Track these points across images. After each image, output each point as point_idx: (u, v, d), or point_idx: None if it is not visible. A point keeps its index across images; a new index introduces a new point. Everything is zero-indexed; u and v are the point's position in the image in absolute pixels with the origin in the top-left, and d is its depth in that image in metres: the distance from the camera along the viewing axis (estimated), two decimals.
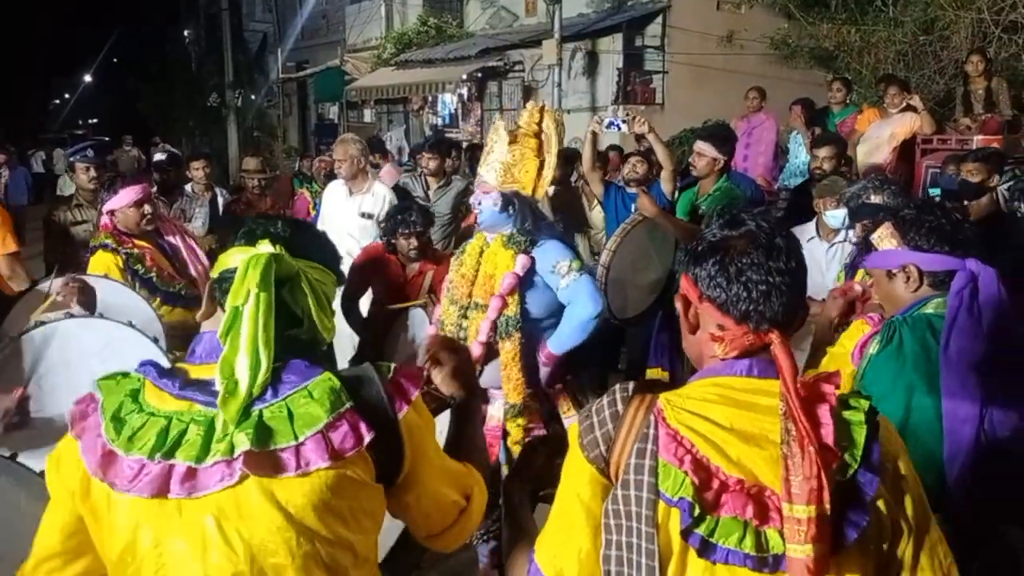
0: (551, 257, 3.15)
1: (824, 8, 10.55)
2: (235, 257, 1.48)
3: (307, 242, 1.55)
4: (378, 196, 5.44)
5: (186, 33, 29.25)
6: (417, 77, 16.27)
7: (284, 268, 1.45)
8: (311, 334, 1.51)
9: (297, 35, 23.29)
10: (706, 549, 1.29)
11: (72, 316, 2.77)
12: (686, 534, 1.30)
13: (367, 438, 1.40)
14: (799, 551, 1.26)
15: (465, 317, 3.19)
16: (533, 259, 3.14)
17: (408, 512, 1.55)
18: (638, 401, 1.40)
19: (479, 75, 15.35)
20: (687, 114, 11.98)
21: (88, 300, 3.04)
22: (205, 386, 1.41)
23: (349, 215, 5.40)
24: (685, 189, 5.18)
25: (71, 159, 5.23)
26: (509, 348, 3.13)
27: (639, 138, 5.55)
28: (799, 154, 7.21)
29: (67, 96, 43.24)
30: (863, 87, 9.49)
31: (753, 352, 1.40)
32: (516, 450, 3.12)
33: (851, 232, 4.05)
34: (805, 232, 4.46)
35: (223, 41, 22.93)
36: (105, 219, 3.79)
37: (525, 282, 3.16)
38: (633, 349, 5.62)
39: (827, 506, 1.26)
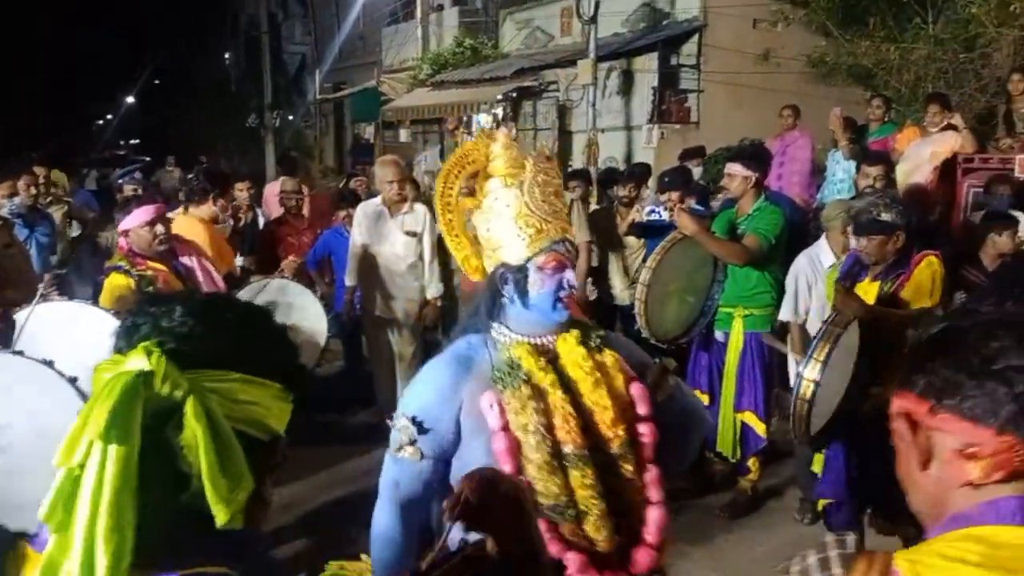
0: (636, 352, 2.23)
1: (863, 25, 10.47)
2: (101, 378, 0.94)
3: (228, 336, 1.00)
4: (419, 214, 5.53)
5: (226, 55, 29.80)
6: (452, 97, 16.39)
7: (166, 392, 0.92)
8: (198, 502, 0.93)
9: (334, 56, 23.60)
10: None
11: None
12: None
13: None
14: None
15: (610, 471, 1.94)
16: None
17: None
18: (865, 564, 1.03)
19: (514, 95, 15.42)
20: (723, 133, 11.92)
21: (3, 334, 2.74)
22: None
23: (394, 235, 5.48)
24: (722, 210, 5.16)
25: (118, 181, 5.37)
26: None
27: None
28: (836, 171, 7.15)
29: (109, 117, 44.19)
30: (902, 105, 9.39)
31: None
32: None
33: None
34: (824, 258, 4.49)
35: (262, 63, 23.33)
36: (121, 240, 3.81)
37: None
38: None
39: None
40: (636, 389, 2.01)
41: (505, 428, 1.87)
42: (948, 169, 6.52)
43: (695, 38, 13.76)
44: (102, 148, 34.27)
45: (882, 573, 1.02)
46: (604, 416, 1.93)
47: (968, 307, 1.13)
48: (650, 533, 1.94)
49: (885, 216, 3.52)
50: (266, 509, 1.06)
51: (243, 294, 3.98)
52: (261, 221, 6.67)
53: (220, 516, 0.91)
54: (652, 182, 7.24)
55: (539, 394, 1.90)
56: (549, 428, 1.88)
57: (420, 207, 5.61)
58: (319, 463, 5.25)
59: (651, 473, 1.96)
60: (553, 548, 1.81)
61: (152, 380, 0.91)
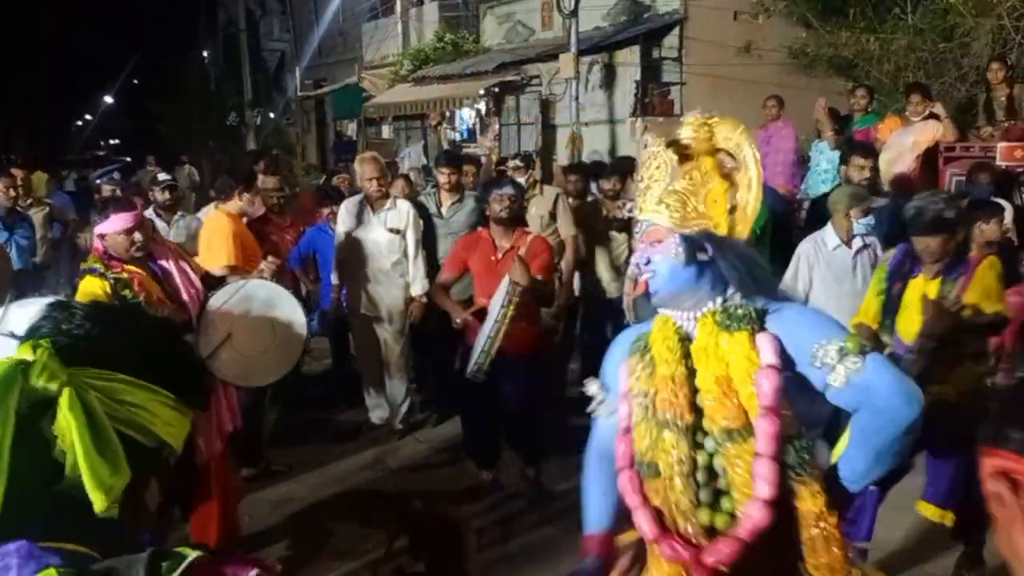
0: (805, 335, 1.89)
1: (843, 17, 10.51)
2: None
3: (123, 342, 1.04)
4: (403, 211, 5.51)
5: (205, 53, 29.58)
6: (434, 93, 16.34)
7: (43, 383, 0.95)
8: (74, 492, 0.95)
9: (314, 53, 23.49)
10: None
11: None
12: None
13: None
14: None
15: (700, 448, 1.91)
16: (778, 339, 1.90)
17: None
18: None
19: (496, 90, 15.38)
20: None
21: None
22: None
23: (377, 232, 5.46)
24: None
25: (97, 182, 5.32)
26: (807, 497, 1.86)
27: None
28: (820, 162, 7.17)
29: (88, 118, 43.84)
30: (883, 95, 9.43)
31: None
32: None
33: (870, 239, 4.46)
34: (829, 240, 4.55)
35: (241, 60, 23.19)
36: (96, 243, 3.73)
37: None
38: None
39: None
40: (765, 376, 1.83)
41: (626, 394, 2.04)
42: (930, 158, 6.56)
43: (676, 31, 13.78)
44: (81, 149, 34.01)
45: None
46: (708, 394, 1.90)
47: None
48: (742, 528, 1.82)
49: (949, 214, 3.50)
50: (149, 517, 1.08)
51: (220, 295, 3.92)
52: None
53: (97, 502, 0.94)
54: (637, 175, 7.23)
55: (651, 362, 1.98)
56: (655, 395, 1.95)
57: (403, 203, 5.58)
58: (308, 461, 5.23)
59: (763, 468, 1.81)
60: (634, 499, 1.97)
61: (31, 370, 0.95)
